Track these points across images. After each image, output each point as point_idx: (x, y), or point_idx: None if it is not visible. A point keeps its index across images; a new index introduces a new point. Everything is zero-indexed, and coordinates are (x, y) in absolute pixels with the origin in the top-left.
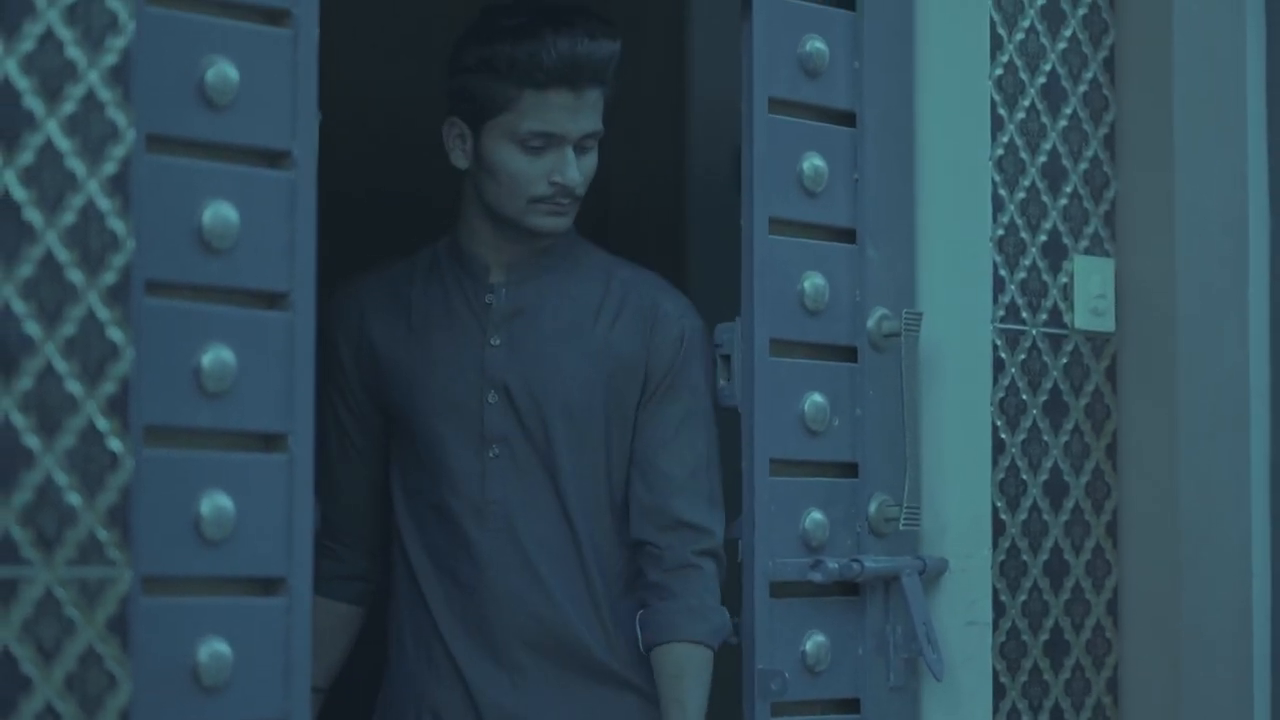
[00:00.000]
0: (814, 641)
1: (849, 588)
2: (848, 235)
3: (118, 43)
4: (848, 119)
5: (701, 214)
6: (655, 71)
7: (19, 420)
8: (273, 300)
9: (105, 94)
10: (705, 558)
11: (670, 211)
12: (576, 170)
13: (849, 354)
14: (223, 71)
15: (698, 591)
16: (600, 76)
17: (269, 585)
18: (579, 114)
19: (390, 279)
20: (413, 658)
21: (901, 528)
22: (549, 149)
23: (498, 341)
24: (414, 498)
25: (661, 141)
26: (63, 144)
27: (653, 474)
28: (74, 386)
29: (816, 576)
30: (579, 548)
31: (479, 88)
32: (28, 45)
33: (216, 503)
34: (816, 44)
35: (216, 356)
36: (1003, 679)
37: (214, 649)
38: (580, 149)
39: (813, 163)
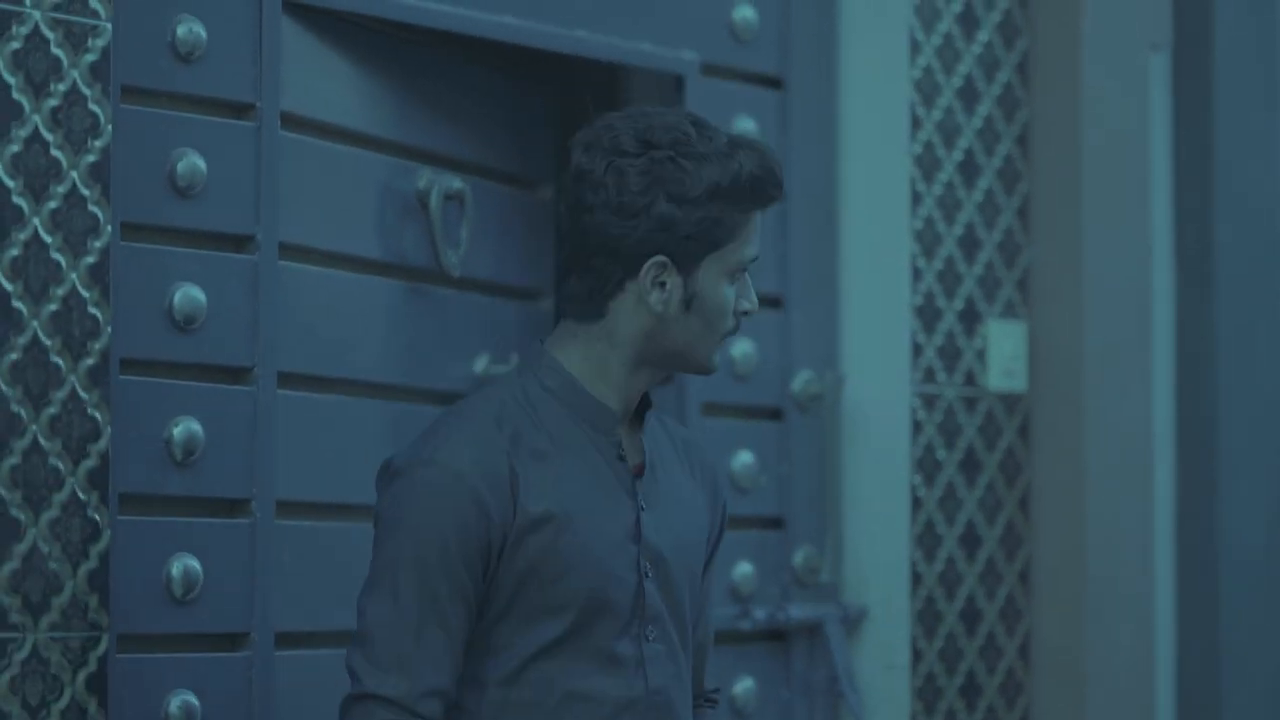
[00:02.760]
0: (743, 686)
1: (775, 634)
2: (775, 303)
3: (98, 143)
4: None
5: None
6: None
7: (7, 495)
8: (237, 375)
9: (86, 191)
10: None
11: None
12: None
13: (775, 414)
14: (192, 163)
15: None
16: None
17: (234, 640)
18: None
19: (511, 433)
20: None
21: (824, 579)
22: (743, 275)
23: (644, 505)
24: (535, 685)
25: None
26: (47, 238)
27: (699, 645)
28: (57, 462)
29: (745, 625)
30: None
31: (709, 218)
32: (15, 147)
33: (186, 564)
34: (746, 123)
35: (186, 429)
36: None
37: (184, 700)
38: None
39: None
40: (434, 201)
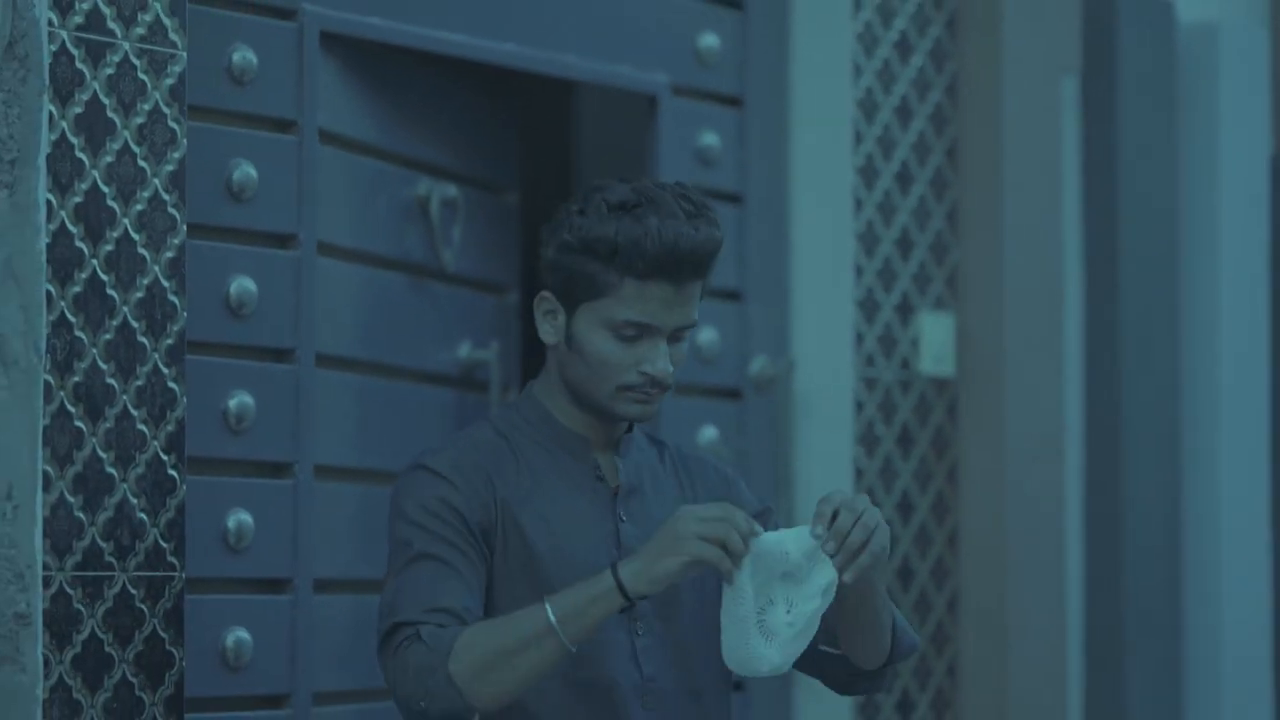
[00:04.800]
0: None
1: None
2: (734, 296)
3: (175, 155)
4: (735, 200)
5: None
6: (542, 158)
7: (103, 454)
8: (281, 355)
9: (166, 196)
10: None
11: None
12: (668, 362)
13: (735, 395)
14: (246, 172)
15: None
16: (702, 270)
17: (278, 585)
18: (676, 307)
19: (490, 448)
20: None
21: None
22: (643, 338)
23: (625, 517)
24: (553, 676)
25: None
26: (135, 235)
27: None
28: (143, 427)
29: None
30: None
31: (578, 269)
32: (109, 158)
33: (239, 519)
34: (710, 137)
35: (240, 401)
36: None
37: (237, 636)
38: (674, 339)
39: None
40: (434, 206)
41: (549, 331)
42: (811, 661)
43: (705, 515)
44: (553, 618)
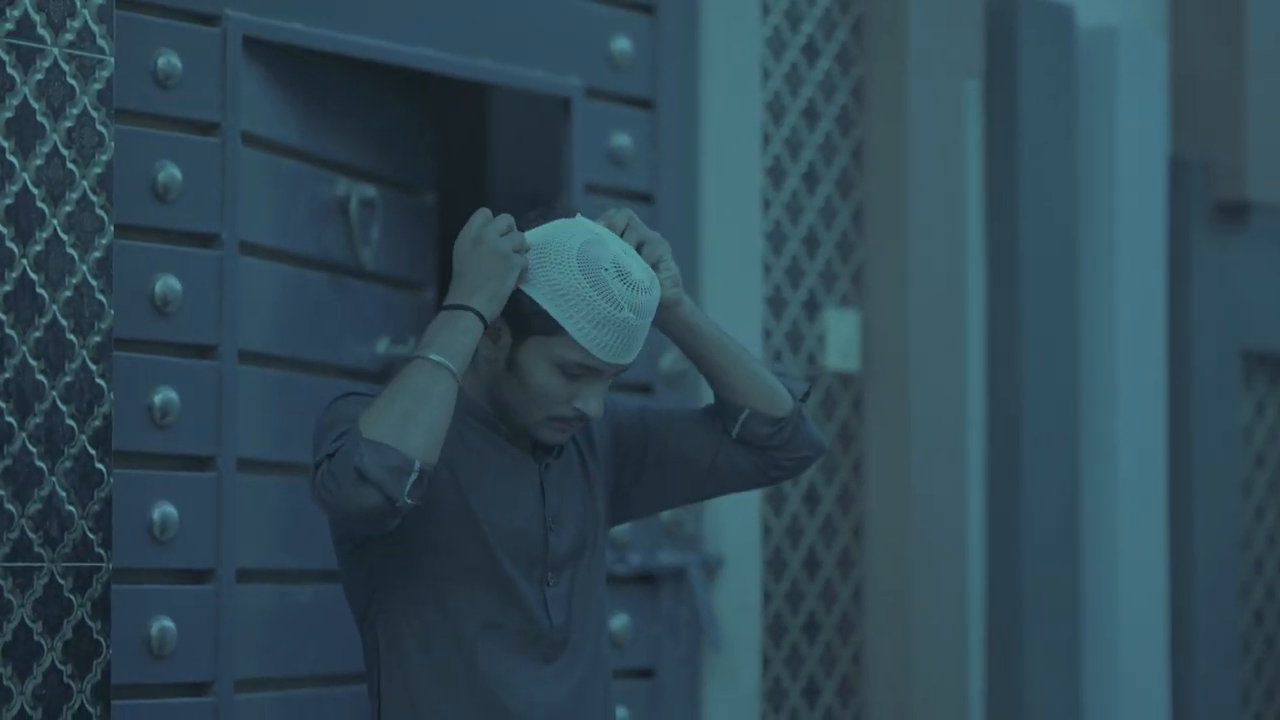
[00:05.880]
0: (619, 622)
1: (646, 578)
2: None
3: (103, 157)
4: (647, 199)
5: None
6: (458, 159)
7: (32, 448)
8: (205, 351)
9: (94, 197)
10: None
11: None
12: (601, 402)
13: (646, 389)
14: (170, 173)
15: None
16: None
17: (201, 575)
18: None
19: None
20: None
21: (688, 530)
22: (584, 377)
23: (544, 476)
24: (455, 615)
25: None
26: (64, 236)
27: (682, 419)
28: (71, 422)
29: (621, 569)
30: (605, 669)
31: (539, 307)
32: (39, 161)
33: (164, 510)
34: (622, 139)
35: (165, 396)
36: (769, 653)
37: (162, 625)
38: (609, 376)
39: None
40: (353, 206)
41: (490, 349)
42: (741, 451)
43: (502, 229)
44: (438, 358)
